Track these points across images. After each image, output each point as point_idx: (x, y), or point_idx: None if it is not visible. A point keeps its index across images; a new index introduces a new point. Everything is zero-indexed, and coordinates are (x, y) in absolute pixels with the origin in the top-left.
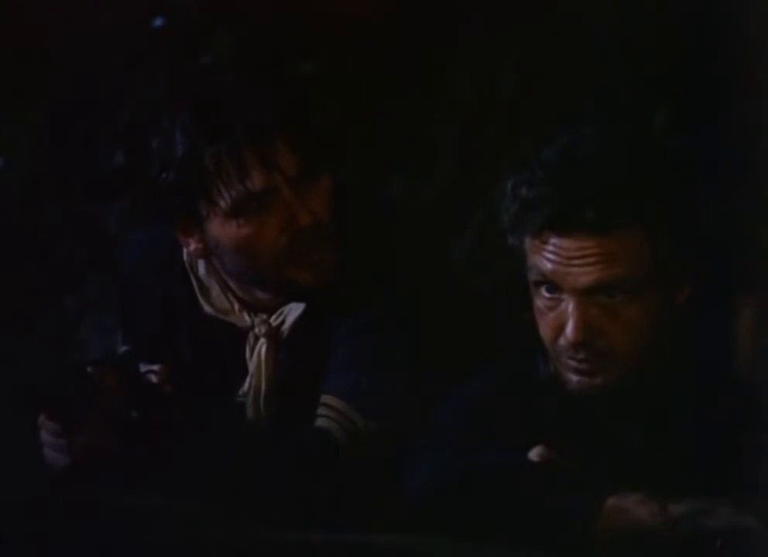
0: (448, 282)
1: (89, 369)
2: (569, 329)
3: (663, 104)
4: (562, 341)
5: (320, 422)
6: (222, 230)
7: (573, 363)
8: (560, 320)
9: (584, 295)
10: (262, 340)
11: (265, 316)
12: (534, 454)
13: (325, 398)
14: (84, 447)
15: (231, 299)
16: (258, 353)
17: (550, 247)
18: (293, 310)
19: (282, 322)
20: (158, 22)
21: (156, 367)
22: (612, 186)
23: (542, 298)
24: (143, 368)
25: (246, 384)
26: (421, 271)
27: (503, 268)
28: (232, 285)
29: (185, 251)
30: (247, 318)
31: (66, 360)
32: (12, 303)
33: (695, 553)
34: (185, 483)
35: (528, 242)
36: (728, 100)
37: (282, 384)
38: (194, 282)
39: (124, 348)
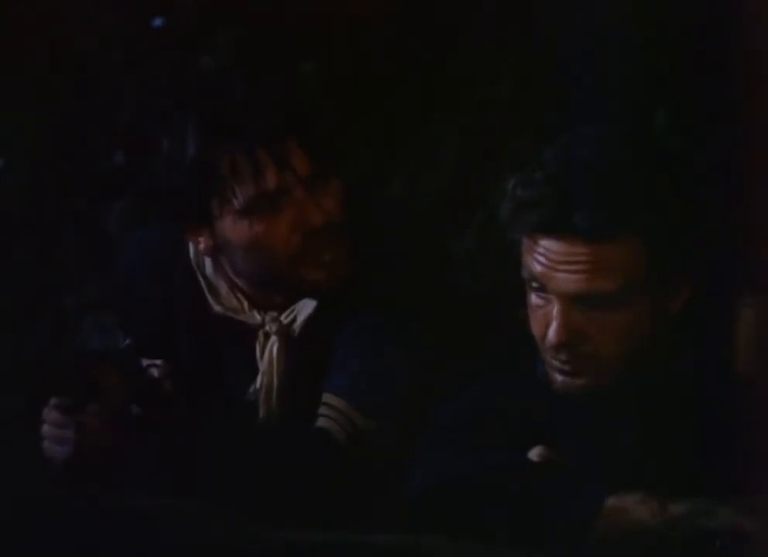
0: (448, 282)
1: (90, 362)
2: (551, 330)
3: (663, 104)
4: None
5: (320, 421)
6: (234, 229)
7: (556, 363)
8: (547, 319)
9: (570, 300)
10: (274, 338)
11: (275, 314)
12: (534, 454)
13: (326, 397)
14: (85, 444)
15: (240, 297)
16: (269, 351)
17: (540, 249)
18: (305, 308)
19: (294, 319)
20: (158, 22)
21: (158, 362)
22: (608, 190)
23: (533, 295)
24: (145, 363)
25: (258, 382)
26: (421, 270)
27: (503, 268)
28: (240, 283)
29: (192, 250)
30: (257, 316)
31: (67, 354)
32: (12, 303)
33: (695, 553)
34: (185, 483)
35: (524, 242)
36: (728, 101)
37: (294, 382)
38: (202, 282)
39: (126, 342)
